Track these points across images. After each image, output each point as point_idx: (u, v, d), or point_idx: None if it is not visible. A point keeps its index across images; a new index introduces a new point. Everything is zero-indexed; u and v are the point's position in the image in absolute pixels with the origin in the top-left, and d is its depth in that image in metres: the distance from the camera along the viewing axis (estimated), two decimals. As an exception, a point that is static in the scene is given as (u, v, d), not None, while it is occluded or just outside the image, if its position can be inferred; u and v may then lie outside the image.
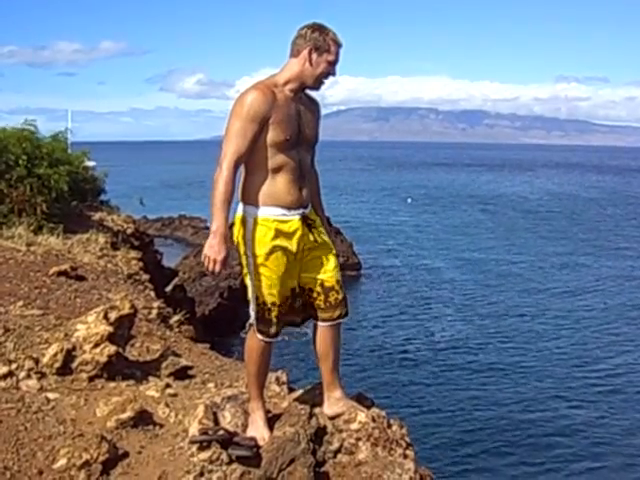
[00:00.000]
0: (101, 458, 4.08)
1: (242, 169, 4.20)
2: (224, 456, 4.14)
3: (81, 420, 4.56)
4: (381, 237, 49.57)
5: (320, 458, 4.31)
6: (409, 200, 73.14)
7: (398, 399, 19.68)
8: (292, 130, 4.16)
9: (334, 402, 4.59)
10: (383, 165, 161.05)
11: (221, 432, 4.25)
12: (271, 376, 5.23)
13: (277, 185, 4.15)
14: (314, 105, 4.42)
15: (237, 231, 4.22)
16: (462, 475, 15.70)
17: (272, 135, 4.07)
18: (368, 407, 4.69)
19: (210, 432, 4.23)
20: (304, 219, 4.28)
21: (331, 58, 4.18)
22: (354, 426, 4.47)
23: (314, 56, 4.13)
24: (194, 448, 4.21)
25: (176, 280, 23.28)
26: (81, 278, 9.24)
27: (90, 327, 5.31)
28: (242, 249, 4.22)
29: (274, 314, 4.25)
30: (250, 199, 4.18)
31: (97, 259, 11.38)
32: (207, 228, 46.35)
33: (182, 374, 5.63)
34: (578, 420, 18.77)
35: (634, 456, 16.82)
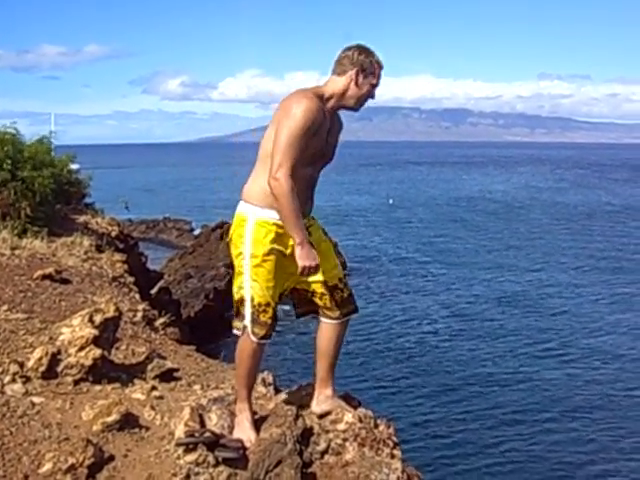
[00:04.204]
0: (87, 462, 4.06)
1: (256, 168, 4.20)
2: (210, 458, 4.14)
3: (67, 424, 4.53)
4: (364, 236, 49.66)
5: (307, 459, 4.31)
6: (390, 201, 73.20)
7: (385, 398, 19.70)
8: (320, 146, 4.18)
9: (323, 400, 4.60)
10: (366, 164, 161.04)
11: (207, 434, 4.24)
12: (257, 377, 5.23)
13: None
14: (340, 126, 4.42)
15: (235, 229, 4.21)
16: (450, 475, 15.73)
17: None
18: (355, 407, 4.70)
19: (196, 434, 4.22)
20: None
21: (374, 81, 4.25)
22: (341, 426, 4.48)
23: (360, 78, 4.18)
24: (180, 450, 4.20)
25: (161, 282, 23.24)
26: (66, 281, 9.19)
27: (75, 330, 5.29)
28: (238, 248, 4.20)
29: (269, 315, 4.23)
30: (253, 199, 4.17)
31: (82, 262, 11.32)
32: (192, 230, 46.35)
33: (168, 376, 5.60)
34: (573, 420, 18.84)
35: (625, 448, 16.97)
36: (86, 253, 12.18)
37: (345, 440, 4.42)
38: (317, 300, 4.44)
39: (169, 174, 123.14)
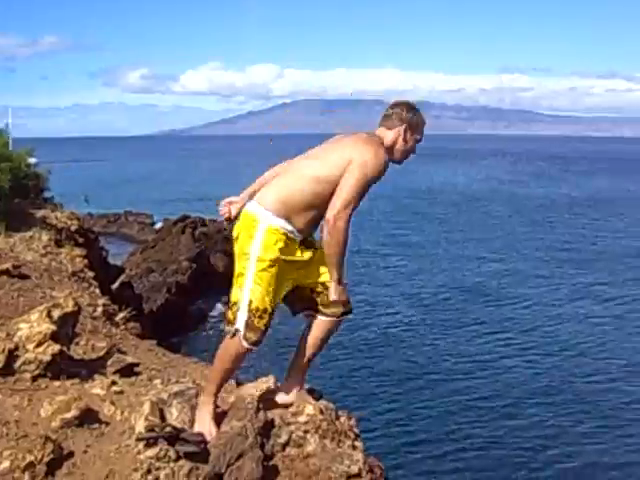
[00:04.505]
0: (46, 459, 4.01)
1: (287, 178, 4.30)
2: (172, 453, 4.11)
3: (25, 421, 4.48)
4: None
5: (268, 452, 4.30)
6: None
7: (347, 390, 19.77)
8: None
9: (290, 390, 4.64)
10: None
11: (168, 428, 4.21)
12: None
13: (306, 217, 4.27)
14: None
15: (243, 228, 4.23)
16: (413, 462, 15.83)
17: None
18: (316, 399, 4.70)
19: (157, 429, 4.19)
20: (302, 241, 4.36)
21: (419, 137, 4.56)
22: (302, 418, 4.47)
23: (408, 134, 4.48)
24: (141, 445, 4.17)
25: (123, 277, 23.06)
26: (24, 277, 9.08)
27: (33, 326, 5.22)
28: (244, 248, 4.21)
29: (264, 322, 4.21)
30: (269, 205, 4.22)
31: (41, 257, 11.20)
32: (153, 224, 46.09)
33: (128, 371, 5.55)
34: (532, 406, 19.08)
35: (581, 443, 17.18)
36: (45, 248, 12.05)
37: (306, 432, 4.42)
38: (316, 297, 4.47)
39: (130, 167, 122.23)
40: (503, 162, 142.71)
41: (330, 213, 4.12)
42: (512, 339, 24.68)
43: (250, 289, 4.16)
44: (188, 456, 4.13)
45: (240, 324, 4.19)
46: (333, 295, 4.31)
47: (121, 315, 9.05)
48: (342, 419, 4.60)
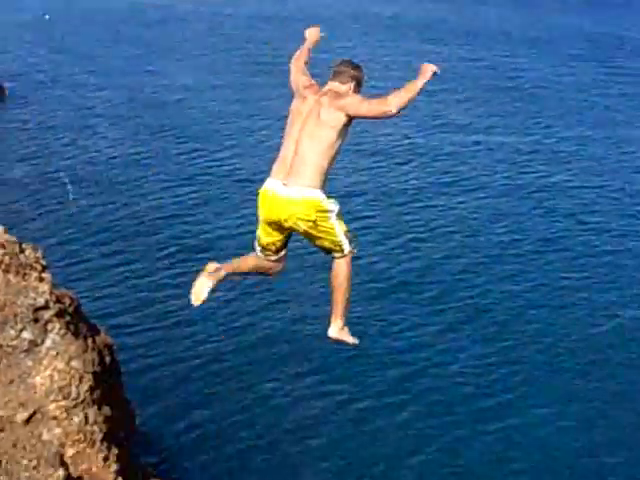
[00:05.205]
0: None
1: (316, 158, 5.44)
2: None
3: None
4: (19, 58, 45.82)
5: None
6: (47, 16, 68.15)
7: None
8: None
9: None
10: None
11: None
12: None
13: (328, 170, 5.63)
14: None
15: (315, 212, 5.41)
16: (103, 291, 15.88)
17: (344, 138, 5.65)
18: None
19: None
20: None
21: (361, 90, 5.81)
22: (-18, 254, 4.33)
23: (357, 88, 5.74)
24: None
25: None
26: None
27: None
28: (325, 215, 5.50)
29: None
30: (321, 186, 5.49)
31: None
32: None
33: None
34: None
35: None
36: None
37: (-12, 267, 4.29)
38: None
39: None
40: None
41: (381, 109, 5.37)
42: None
43: (339, 226, 5.59)
44: None
45: (347, 247, 5.62)
46: (431, 67, 5.41)
47: None
48: (27, 252, 4.51)
